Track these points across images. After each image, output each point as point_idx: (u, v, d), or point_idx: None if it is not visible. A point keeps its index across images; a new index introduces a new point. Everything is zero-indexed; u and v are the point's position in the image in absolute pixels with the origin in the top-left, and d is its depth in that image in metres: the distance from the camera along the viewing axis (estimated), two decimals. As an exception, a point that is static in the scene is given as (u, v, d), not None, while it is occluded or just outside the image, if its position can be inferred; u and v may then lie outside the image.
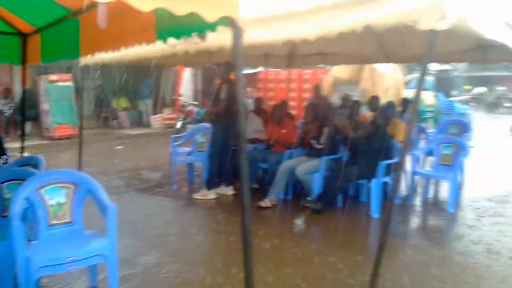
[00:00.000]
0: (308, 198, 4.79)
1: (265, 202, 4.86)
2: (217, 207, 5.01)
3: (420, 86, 2.36)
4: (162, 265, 3.33)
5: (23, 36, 4.16)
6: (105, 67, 7.85)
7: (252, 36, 2.60)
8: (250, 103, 7.83)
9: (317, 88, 9.00)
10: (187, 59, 5.45)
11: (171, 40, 2.42)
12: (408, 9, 2.10)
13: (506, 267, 3.39)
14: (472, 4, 2.53)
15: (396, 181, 2.78)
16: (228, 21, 1.95)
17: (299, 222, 4.46)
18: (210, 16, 1.86)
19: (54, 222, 2.70)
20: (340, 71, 10.02)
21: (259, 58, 6.48)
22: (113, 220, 2.59)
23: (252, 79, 14.32)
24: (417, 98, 2.53)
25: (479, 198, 5.33)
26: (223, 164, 5.16)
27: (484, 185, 5.91)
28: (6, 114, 9.65)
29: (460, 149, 5.13)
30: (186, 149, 6.18)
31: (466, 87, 24.15)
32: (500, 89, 21.57)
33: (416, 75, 19.96)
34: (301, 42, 3.07)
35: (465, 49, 4.72)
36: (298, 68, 11.04)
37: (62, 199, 2.72)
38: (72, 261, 2.44)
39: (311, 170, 4.82)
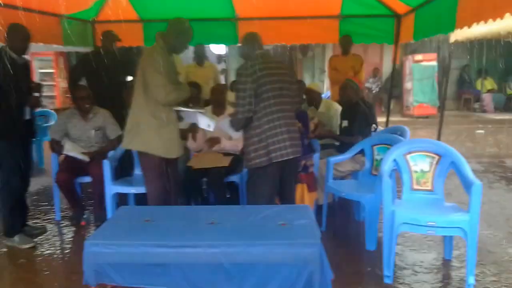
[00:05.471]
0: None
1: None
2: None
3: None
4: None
5: (398, 17, 4.57)
6: (475, 44, 7.76)
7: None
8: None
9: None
10: None
11: None
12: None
13: None
14: None
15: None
16: None
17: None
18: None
19: (416, 187, 2.89)
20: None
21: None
22: (478, 197, 2.47)
23: None
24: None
25: None
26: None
27: None
28: (374, 91, 10.47)
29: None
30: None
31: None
32: None
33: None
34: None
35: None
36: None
37: (426, 167, 2.85)
38: (432, 226, 2.51)
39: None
